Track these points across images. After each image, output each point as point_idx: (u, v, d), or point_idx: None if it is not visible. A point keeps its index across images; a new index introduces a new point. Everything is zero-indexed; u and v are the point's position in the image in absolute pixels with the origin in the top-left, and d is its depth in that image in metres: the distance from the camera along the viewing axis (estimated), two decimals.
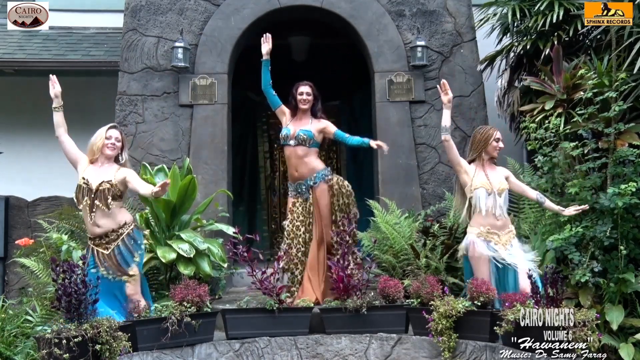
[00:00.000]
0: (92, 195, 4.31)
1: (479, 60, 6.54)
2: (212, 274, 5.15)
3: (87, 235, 4.46)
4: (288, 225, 5.22)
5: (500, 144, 4.57)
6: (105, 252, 4.31)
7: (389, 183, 6.37)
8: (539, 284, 4.08)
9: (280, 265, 4.77)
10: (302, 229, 5.17)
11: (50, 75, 4.52)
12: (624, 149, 4.45)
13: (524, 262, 4.37)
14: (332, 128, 5.27)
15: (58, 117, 4.46)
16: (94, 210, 4.31)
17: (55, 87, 4.50)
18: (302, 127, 5.21)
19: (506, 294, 4.13)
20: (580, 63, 5.31)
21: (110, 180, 4.35)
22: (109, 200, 4.31)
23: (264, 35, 5.21)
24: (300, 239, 5.17)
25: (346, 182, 5.30)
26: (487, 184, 4.45)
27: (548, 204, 4.58)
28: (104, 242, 4.33)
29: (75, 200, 4.39)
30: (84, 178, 4.36)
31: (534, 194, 4.62)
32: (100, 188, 4.31)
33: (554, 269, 4.11)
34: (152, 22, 6.59)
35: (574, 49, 5.76)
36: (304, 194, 5.20)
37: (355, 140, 5.25)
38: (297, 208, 5.21)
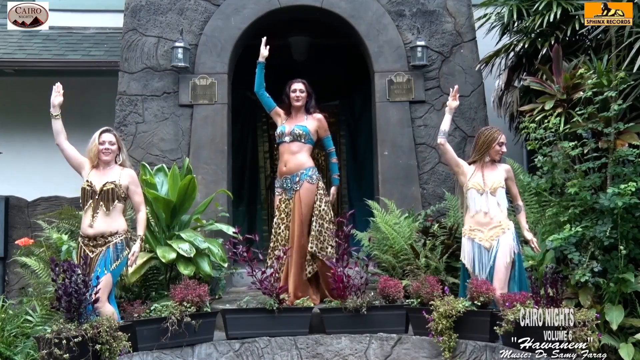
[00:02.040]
0: (97, 197, 4.29)
1: (479, 60, 6.54)
2: (212, 274, 5.15)
3: (79, 233, 4.42)
4: (274, 224, 5.26)
5: (504, 148, 4.55)
6: (91, 254, 4.24)
7: (389, 183, 6.36)
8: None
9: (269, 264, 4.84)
10: (282, 227, 5.19)
11: (57, 84, 4.46)
12: (623, 148, 4.45)
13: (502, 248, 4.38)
14: (325, 131, 5.37)
15: (58, 125, 4.41)
16: (97, 211, 4.29)
17: (58, 97, 4.42)
18: (297, 123, 5.23)
19: (506, 294, 4.13)
20: (580, 63, 5.31)
21: (114, 181, 4.35)
22: (114, 202, 4.31)
23: (264, 38, 5.22)
24: (279, 237, 5.17)
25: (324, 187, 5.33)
26: (479, 185, 4.44)
27: (520, 216, 4.62)
28: (91, 244, 4.29)
29: (81, 202, 4.37)
30: (87, 181, 4.34)
31: (519, 201, 4.65)
32: (105, 189, 4.30)
33: (554, 269, 4.12)
34: (152, 22, 6.59)
35: (573, 49, 5.76)
36: (289, 191, 5.19)
37: (333, 165, 5.49)
38: (282, 205, 5.23)
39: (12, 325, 4.81)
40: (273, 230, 5.24)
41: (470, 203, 4.47)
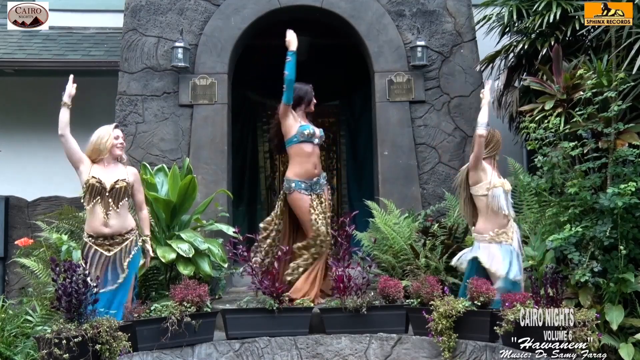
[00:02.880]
0: (107, 194, 4.28)
1: (479, 61, 6.55)
2: (212, 274, 5.15)
3: (87, 233, 4.34)
4: (314, 220, 5.04)
5: None
6: (108, 254, 4.26)
7: (389, 183, 6.37)
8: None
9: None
10: (320, 223, 5.06)
11: (72, 76, 4.45)
12: (623, 149, 4.45)
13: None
14: None
15: (68, 115, 4.33)
16: (109, 209, 4.28)
17: (73, 89, 4.43)
18: (315, 127, 5.29)
19: (507, 294, 4.13)
20: (580, 63, 5.31)
21: (125, 179, 4.37)
22: (123, 200, 4.34)
23: (290, 31, 5.12)
24: (325, 234, 5.06)
25: None
26: (503, 184, 4.49)
27: None
28: (107, 243, 4.29)
29: (86, 198, 4.28)
30: (95, 177, 4.28)
31: None
32: (117, 186, 4.31)
33: (554, 269, 4.12)
34: (152, 22, 6.59)
35: (573, 49, 5.76)
36: (317, 190, 5.15)
37: None
38: (314, 203, 5.10)
39: (12, 325, 4.81)
40: (315, 228, 5.00)
41: (500, 203, 4.38)
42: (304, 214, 5.09)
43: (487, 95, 4.58)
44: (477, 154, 4.42)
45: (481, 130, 4.40)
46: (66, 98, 4.38)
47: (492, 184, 4.42)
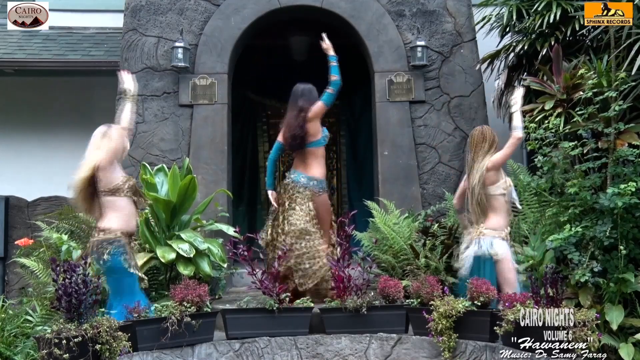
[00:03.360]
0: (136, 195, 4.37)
1: (479, 60, 6.55)
2: (212, 274, 5.15)
3: (121, 232, 4.22)
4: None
5: None
6: (134, 247, 4.37)
7: (389, 183, 6.37)
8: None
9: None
10: None
11: (123, 71, 4.46)
12: (623, 149, 4.45)
13: None
14: None
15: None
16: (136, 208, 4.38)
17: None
18: None
19: (507, 294, 4.13)
20: (580, 63, 5.31)
21: None
22: None
23: (325, 36, 5.29)
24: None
25: None
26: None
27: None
28: (133, 239, 4.38)
29: (128, 198, 4.26)
30: (132, 177, 4.38)
31: None
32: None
33: (554, 269, 4.12)
34: (152, 22, 6.59)
35: (573, 49, 5.76)
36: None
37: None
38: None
39: (12, 325, 4.81)
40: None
41: (517, 202, 4.59)
42: (329, 214, 5.26)
43: (518, 102, 4.61)
44: (508, 156, 4.53)
45: (520, 133, 4.49)
46: (131, 92, 4.42)
47: (509, 183, 4.53)
